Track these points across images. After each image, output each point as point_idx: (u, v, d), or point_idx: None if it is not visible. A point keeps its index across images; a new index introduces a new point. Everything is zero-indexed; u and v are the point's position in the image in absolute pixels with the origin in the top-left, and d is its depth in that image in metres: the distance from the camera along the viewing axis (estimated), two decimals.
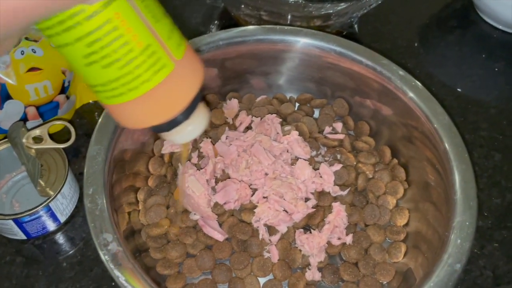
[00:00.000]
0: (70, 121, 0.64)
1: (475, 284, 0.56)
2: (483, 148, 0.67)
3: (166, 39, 0.31)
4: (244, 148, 0.58)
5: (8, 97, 0.57)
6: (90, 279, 0.54)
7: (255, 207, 0.55)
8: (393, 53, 0.77)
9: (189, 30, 0.79)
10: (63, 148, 0.56)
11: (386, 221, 0.57)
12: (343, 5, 0.64)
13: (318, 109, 0.65)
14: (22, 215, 0.52)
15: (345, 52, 0.59)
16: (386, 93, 0.58)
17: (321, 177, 0.57)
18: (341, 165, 0.59)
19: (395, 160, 0.61)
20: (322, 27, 0.70)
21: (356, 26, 0.79)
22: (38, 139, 0.54)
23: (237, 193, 0.55)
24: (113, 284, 0.54)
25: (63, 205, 0.55)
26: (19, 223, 0.53)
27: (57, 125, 0.56)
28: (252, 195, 0.56)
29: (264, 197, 0.56)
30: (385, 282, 0.53)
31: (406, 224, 0.57)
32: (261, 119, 0.61)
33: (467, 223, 0.47)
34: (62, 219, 0.56)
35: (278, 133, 0.60)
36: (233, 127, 0.62)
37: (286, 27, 0.60)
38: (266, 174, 0.57)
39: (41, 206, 0.53)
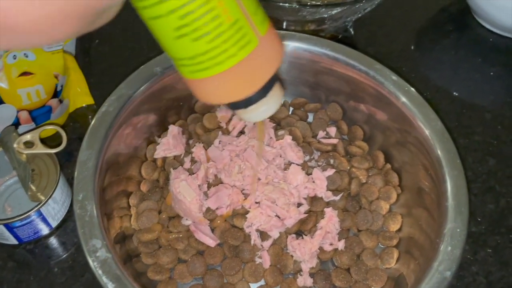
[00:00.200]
0: (63, 125, 0.64)
1: None
2: (478, 153, 0.67)
3: (253, 14, 0.31)
4: (237, 153, 0.58)
5: (0, 101, 0.57)
6: (81, 285, 0.54)
7: (247, 212, 0.55)
8: (388, 56, 0.77)
9: None
10: (56, 153, 0.56)
11: (379, 226, 0.57)
12: (337, 10, 0.64)
13: (312, 114, 0.65)
14: (13, 220, 0.52)
15: (339, 56, 0.59)
16: (379, 98, 0.58)
17: (313, 182, 0.57)
18: (334, 170, 0.58)
19: (388, 165, 0.60)
20: (317, 31, 0.70)
21: (351, 29, 0.79)
22: (29, 144, 0.54)
23: (229, 198, 0.55)
24: None
25: (55, 210, 0.55)
26: (10, 228, 0.53)
27: (49, 129, 0.56)
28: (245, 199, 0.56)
29: (256, 202, 0.55)
30: None
31: (399, 230, 0.57)
32: (254, 123, 0.61)
33: (458, 230, 0.46)
34: (54, 224, 0.56)
35: (271, 137, 0.60)
36: (227, 132, 0.62)
37: (280, 32, 0.60)
38: (259, 179, 0.56)
39: (32, 211, 0.53)
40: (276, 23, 0.69)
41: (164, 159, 0.60)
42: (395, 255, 0.54)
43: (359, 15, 0.70)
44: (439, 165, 0.51)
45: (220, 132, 0.61)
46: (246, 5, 0.30)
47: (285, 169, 0.58)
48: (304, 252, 0.53)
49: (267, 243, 0.54)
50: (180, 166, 0.58)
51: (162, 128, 0.61)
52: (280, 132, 0.61)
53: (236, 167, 0.57)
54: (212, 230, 0.55)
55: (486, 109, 0.71)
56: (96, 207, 0.46)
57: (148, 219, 0.55)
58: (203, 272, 0.53)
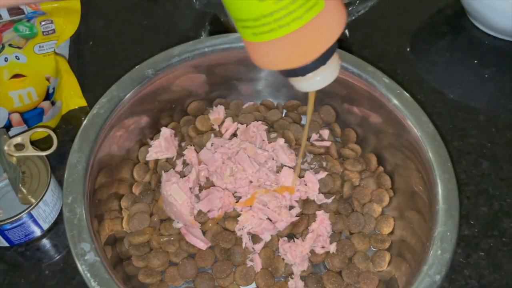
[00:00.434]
0: (56, 128, 0.64)
1: None
2: (471, 155, 0.66)
3: None
4: (229, 155, 0.58)
5: None
6: (72, 287, 0.54)
7: (239, 215, 0.55)
8: (383, 59, 0.77)
9: (178, 36, 0.79)
10: (48, 155, 0.56)
11: (371, 229, 0.57)
12: None
13: (305, 116, 0.65)
14: (4, 222, 0.52)
15: None
16: (372, 100, 0.58)
17: (306, 185, 0.57)
18: (326, 173, 0.58)
19: (381, 168, 0.60)
20: None
21: (346, 32, 0.79)
22: (19, 147, 0.54)
23: (220, 201, 0.55)
24: None
25: (46, 212, 0.55)
26: (0, 230, 0.53)
27: (41, 132, 0.56)
28: (237, 202, 0.56)
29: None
30: None
31: (391, 233, 0.57)
32: (246, 126, 0.61)
33: (449, 233, 0.46)
34: (45, 226, 0.56)
35: (263, 140, 0.60)
36: (219, 134, 0.62)
37: None
38: (251, 182, 0.56)
39: (23, 214, 0.52)
40: None
41: (156, 161, 0.60)
42: (387, 258, 0.54)
43: (353, 18, 0.69)
44: (430, 168, 0.51)
45: (212, 135, 0.60)
46: None
47: (277, 171, 0.58)
48: (295, 255, 0.53)
49: (258, 246, 0.54)
50: (172, 169, 0.58)
51: (154, 130, 0.61)
52: (273, 135, 0.61)
53: (228, 170, 0.56)
54: (204, 233, 0.55)
55: (480, 111, 0.71)
56: (86, 210, 0.46)
57: (140, 221, 0.54)
58: (194, 275, 0.52)
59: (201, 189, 0.57)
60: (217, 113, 0.63)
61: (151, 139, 0.61)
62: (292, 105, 0.65)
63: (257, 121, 0.62)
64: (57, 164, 0.61)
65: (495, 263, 0.57)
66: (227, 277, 0.52)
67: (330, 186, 0.58)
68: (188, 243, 0.54)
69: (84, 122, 0.52)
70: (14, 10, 0.64)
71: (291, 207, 0.56)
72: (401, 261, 0.53)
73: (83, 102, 0.67)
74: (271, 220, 0.55)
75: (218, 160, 0.57)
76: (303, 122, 0.65)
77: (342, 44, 0.60)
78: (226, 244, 0.54)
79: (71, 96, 0.66)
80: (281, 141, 0.59)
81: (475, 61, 0.78)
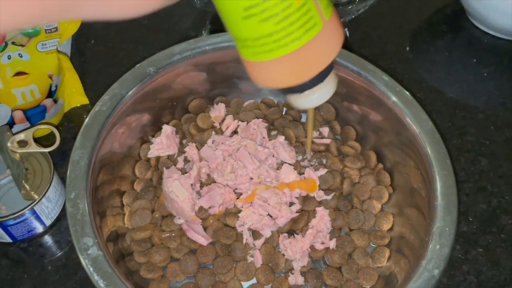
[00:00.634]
0: (58, 125, 0.65)
1: None
2: (470, 153, 0.67)
3: None
4: (230, 152, 0.58)
5: None
6: (75, 283, 0.54)
7: (240, 211, 0.55)
8: (383, 58, 0.77)
9: (178, 34, 0.79)
10: (50, 152, 0.56)
11: (370, 225, 0.57)
12: None
13: (305, 114, 0.66)
14: (7, 218, 0.52)
15: None
16: (372, 98, 0.59)
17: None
18: (326, 170, 0.59)
19: (381, 165, 0.61)
20: None
21: (346, 31, 0.80)
22: (23, 143, 0.54)
23: (221, 197, 0.55)
24: None
25: (48, 208, 0.55)
26: (4, 226, 0.53)
27: (44, 129, 0.56)
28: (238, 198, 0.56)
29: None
30: (368, 287, 0.53)
31: (390, 229, 0.57)
32: (247, 123, 0.61)
33: (447, 229, 0.47)
34: (48, 222, 0.57)
35: (264, 137, 0.60)
36: (220, 132, 0.62)
37: None
38: (251, 178, 0.57)
39: (26, 210, 0.53)
40: None
41: (158, 158, 0.60)
42: (387, 254, 0.55)
43: (353, 17, 0.70)
44: (429, 165, 0.51)
45: (213, 132, 0.61)
46: None
47: (277, 168, 0.58)
48: (295, 251, 0.53)
49: (259, 242, 0.55)
50: (173, 166, 0.58)
51: (156, 127, 0.62)
52: (273, 133, 0.61)
53: (228, 167, 0.57)
54: (205, 229, 0.55)
55: (479, 110, 0.72)
56: (88, 205, 0.47)
57: (141, 218, 0.55)
58: (195, 270, 0.53)
59: (202, 185, 0.57)
60: (218, 110, 0.63)
61: (153, 136, 0.61)
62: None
63: (258, 118, 0.62)
64: (59, 161, 0.62)
65: (494, 259, 0.58)
66: (228, 272, 0.53)
67: (330, 183, 0.58)
68: (189, 239, 0.54)
69: (86, 119, 0.52)
70: None
71: (291, 204, 0.57)
72: (400, 257, 0.53)
73: (85, 100, 0.68)
74: (271, 216, 0.55)
75: (219, 157, 0.58)
76: (303, 120, 0.65)
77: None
78: (227, 240, 0.54)
79: (73, 94, 0.66)
80: (281, 138, 0.60)
81: (474, 60, 0.79)
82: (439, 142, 0.52)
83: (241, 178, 0.57)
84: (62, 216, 0.58)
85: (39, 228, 0.56)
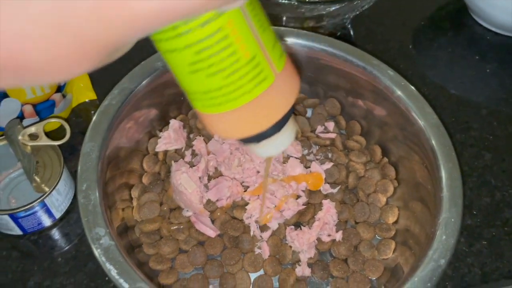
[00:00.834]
0: (66, 120, 0.65)
1: (463, 281, 0.57)
2: (474, 148, 0.68)
3: (270, 50, 0.30)
4: (237, 146, 0.59)
5: (5, 95, 0.59)
6: (84, 274, 0.55)
7: (247, 204, 0.56)
8: (386, 54, 0.78)
9: None
10: (59, 146, 0.57)
11: (376, 218, 0.58)
12: (335, 7, 0.65)
13: (311, 109, 0.66)
14: (18, 210, 0.53)
15: (337, 52, 0.60)
16: (376, 93, 0.59)
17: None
18: (332, 164, 0.59)
19: (386, 159, 0.61)
20: (316, 28, 0.71)
21: (350, 27, 0.80)
22: (33, 136, 0.55)
23: (229, 190, 0.56)
24: (107, 279, 0.55)
25: (58, 201, 0.56)
26: (15, 218, 0.54)
27: (53, 123, 0.57)
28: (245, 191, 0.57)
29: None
30: (374, 278, 0.54)
31: (396, 222, 0.58)
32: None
33: (453, 219, 0.47)
34: (57, 215, 0.57)
35: None
36: None
37: (279, 28, 0.61)
38: (258, 172, 0.58)
39: (36, 202, 0.54)
40: (276, 20, 0.70)
41: (165, 152, 0.61)
42: (392, 246, 0.55)
43: (357, 13, 0.71)
44: (434, 157, 0.52)
45: None
46: (264, 41, 0.29)
47: (284, 162, 0.59)
48: (302, 242, 0.54)
49: (266, 234, 0.55)
50: (181, 159, 0.59)
51: (163, 122, 0.62)
52: None
53: (236, 160, 0.58)
54: (213, 221, 0.56)
55: (482, 105, 0.73)
56: (100, 196, 0.48)
57: (150, 210, 0.56)
58: (204, 262, 0.54)
59: (210, 178, 0.58)
60: None
61: (160, 130, 0.62)
62: (297, 98, 0.66)
63: None
64: (68, 155, 0.62)
65: (497, 251, 0.59)
66: (235, 264, 0.54)
67: (336, 176, 0.59)
68: (198, 231, 0.55)
69: (97, 112, 0.53)
70: None
71: (298, 197, 0.57)
72: (406, 249, 0.54)
73: (93, 95, 0.68)
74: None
75: (226, 151, 0.59)
76: (308, 114, 0.66)
77: (345, 39, 0.62)
78: (234, 232, 0.55)
79: (81, 89, 0.67)
80: None
81: (477, 57, 0.80)
82: (444, 135, 0.53)
83: (248, 171, 0.57)
84: (71, 209, 0.59)
85: (49, 221, 0.57)
